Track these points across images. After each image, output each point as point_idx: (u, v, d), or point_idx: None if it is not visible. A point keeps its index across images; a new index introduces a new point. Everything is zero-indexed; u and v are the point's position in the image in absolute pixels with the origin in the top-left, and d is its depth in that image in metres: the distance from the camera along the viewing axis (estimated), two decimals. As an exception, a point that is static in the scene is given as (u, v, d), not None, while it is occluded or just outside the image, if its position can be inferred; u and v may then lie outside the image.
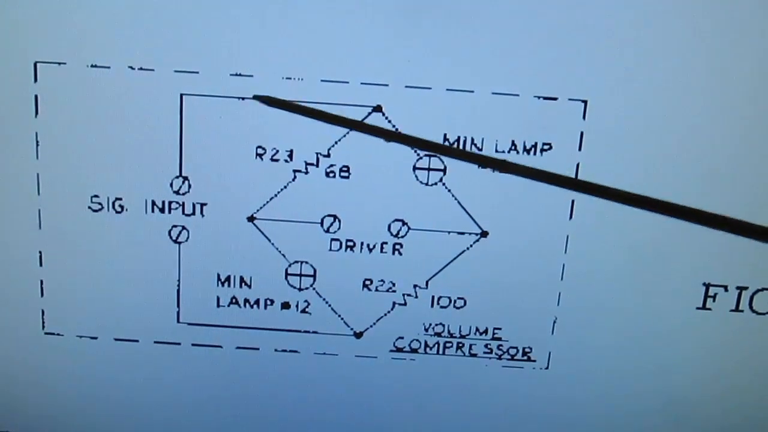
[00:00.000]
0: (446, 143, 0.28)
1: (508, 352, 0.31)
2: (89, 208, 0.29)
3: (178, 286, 0.30)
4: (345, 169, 0.29)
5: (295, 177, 0.29)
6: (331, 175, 0.29)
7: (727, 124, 0.28)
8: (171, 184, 0.29)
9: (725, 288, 0.30)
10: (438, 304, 0.30)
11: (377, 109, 0.28)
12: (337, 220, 0.29)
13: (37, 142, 0.29)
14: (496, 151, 0.29)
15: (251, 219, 0.29)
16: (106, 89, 0.28)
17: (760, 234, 0.22)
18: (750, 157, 0.29)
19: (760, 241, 0.21)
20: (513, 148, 0.29)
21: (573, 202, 0.29)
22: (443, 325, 0.31)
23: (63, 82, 0.28)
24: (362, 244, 0.30)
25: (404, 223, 0.29)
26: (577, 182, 0.28)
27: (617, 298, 0.30)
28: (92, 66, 0.28)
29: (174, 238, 0.30)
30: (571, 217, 0.29)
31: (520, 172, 0.24)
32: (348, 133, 0.28)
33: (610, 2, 0.27)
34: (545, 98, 0.28)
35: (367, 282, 0.30)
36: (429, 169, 0.29)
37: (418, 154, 0.29)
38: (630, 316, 0.30)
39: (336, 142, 0.29)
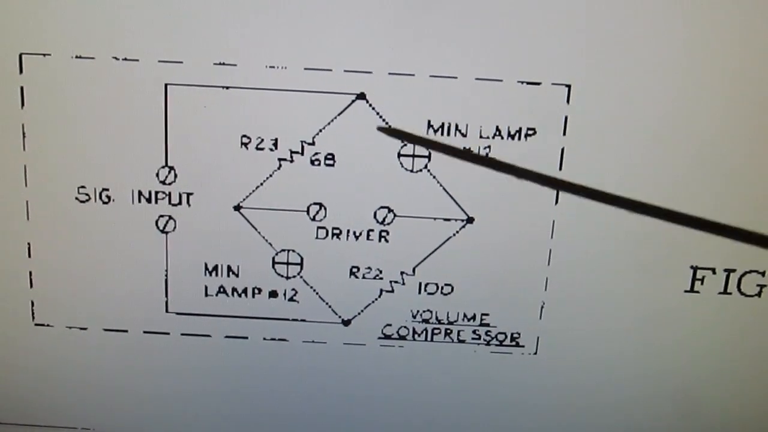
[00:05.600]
0: (430, 129, 0.29)
1: (496, 338, 0.31)
2: (76, 199, 0.29)
3: (166, 275, 0.30)
4: (330, 157, 0.29)
5: (280, 165, 0.29)
6: (316, 163, 0.29)
7: (712, 107, 0.28)
8: (157, 174, 0.29)
9: (713, 271, 0.30)
10: (425, 290, 0.30)
11: (361, 96, 0.28)
12: (323, 208, 0.29)
13: (24, 133, 0.29)
14: (481, 137, 0.29)
15: (237, 208, 0.29)
16: (91, 80, 0.28)
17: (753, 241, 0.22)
18: (735, 140, 0.28)
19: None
20: (497, 133, 0.29)
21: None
22: (431, 312, 0.31)
23: (48, 73, 0.28)
24: (348, 231, 0.30)
25: (390, 210, 0.30)
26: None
27: (604, 282, 0.30)
28: (77, 57, 0.28)
29: (161, 228, 0.30)
30: (556, 202, 0.29)
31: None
32: (332, 120, 0.29)
33: (591, -14, 0.27)
34: (528, 83, 0.28)
35: (354, 269, 0.30)
36: (414, 156, 0.29)
37: (403, 142, 0.29)
38: (618, 299, 0.30)
39: (320, 130, 0.29)
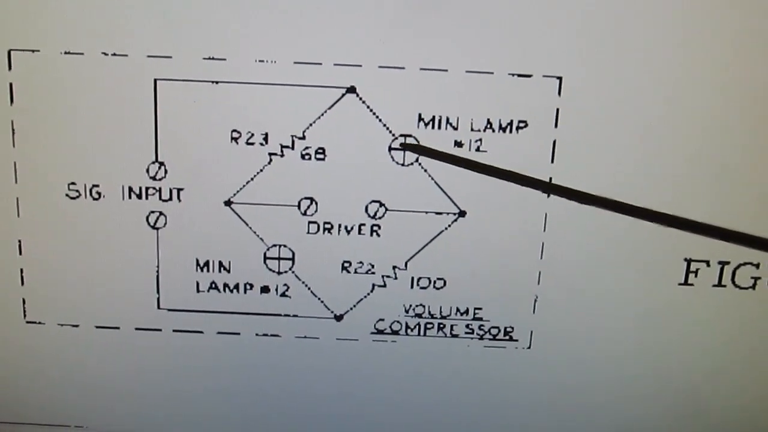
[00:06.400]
0: (421, 123, 0.28)
1: (489, 332, 0.31)
2: (66, 195, 0.29)
3: (158, 272, 0.30)
4: (320, 151, 0.29)
5: (270, 160, 0.29)
6: (307, 157, 0.29)
7: (705, 101, 0.28)
8: (147, 170, 0.29)
9: (707, 263, 0.30)
10: (418, 285, 0.30)
11: (351, 90, 0.28)
12: (314, 202, 0.29)
13: (13, 130, 0.29)
14: (472, 129, 0.28)
15: (228, 203, 0.29)
16: (81, 76, 0.28)
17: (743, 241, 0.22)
18: (727, 134, 0.28)
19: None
20: (488, 126, 0.28)
21: (550, 179, 0.29)
22: (424, 306, 0.31)
23: (37, 69, 0.28)
24: (340, 226, 0.30)
25: (381, 204, 0.29)
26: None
27: (598, 275, 0.30)
28: (66, 53, 0.28)
29: (152, 224, 0.30)
30: (549, 195, 0.29)
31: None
32: (322, 114, 0.28)
33: (581, -23, 0.27)
34: (519, 75, 0.28)
35: (346, 264, 0.30)
36: (405, 150, 0.29)
37: (393, 135, 0.29)
38: (611, 293, 0.30)
39: (311, 124, 0.29)
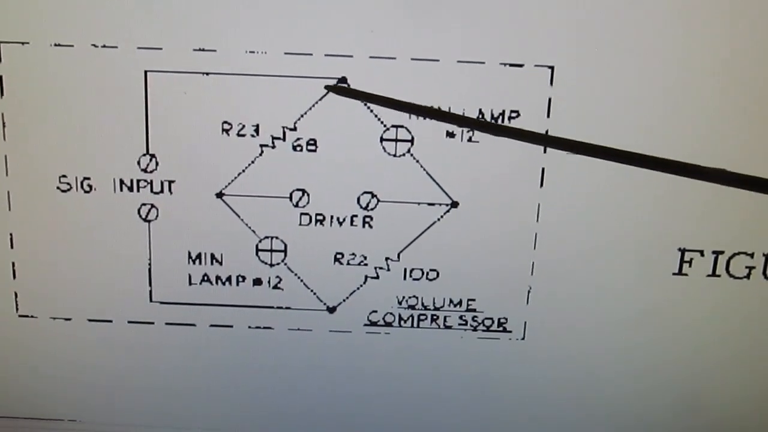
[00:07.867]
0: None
1: (483, 323, 0.31)
2: (58, 188, 0.29)
3: (150, 264, 0.30)
4: (312, 142, 0.29)
5: (262, 152, 0.29)
6: (298, 148, 0.29)
7: (695, 87, 0.28)
8: (138, 162, 0.29)
9: (701, 253, 0.30)
10: (410, 276, 0.30)
11: (342, 80, 0.28)
12: (305, 194, 0.29)
13: (4, 123, 0.29)
14: (464, 119, 0.28)
15: (220, 195, 0.29)
16: (71, 68, 0.28)
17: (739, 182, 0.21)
18: (718, 121, 0.28)
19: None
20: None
21: (543, 169, 0.29)
22: (417, 298, 0.30)
23: (27, 61, 0.28)
24: (332, 217, 0.30)
25: (373, 196, 0.29)
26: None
27: (591, 266, 0.30)
28: (56, 45, 0.28)
29: (143, 216, 0.30)
30: (542, 185, 0.29)
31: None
32: (313, 105, 0.28)
33: (572, -35, 0.27)
34: (511, 65, 0.28)
35: (339, 256, 0.30)
36: (396, 140, 0.29)
37: (385, 125, 0.29)
38: (605, 283, 0.30)
39: (302, 116, 0.28)
